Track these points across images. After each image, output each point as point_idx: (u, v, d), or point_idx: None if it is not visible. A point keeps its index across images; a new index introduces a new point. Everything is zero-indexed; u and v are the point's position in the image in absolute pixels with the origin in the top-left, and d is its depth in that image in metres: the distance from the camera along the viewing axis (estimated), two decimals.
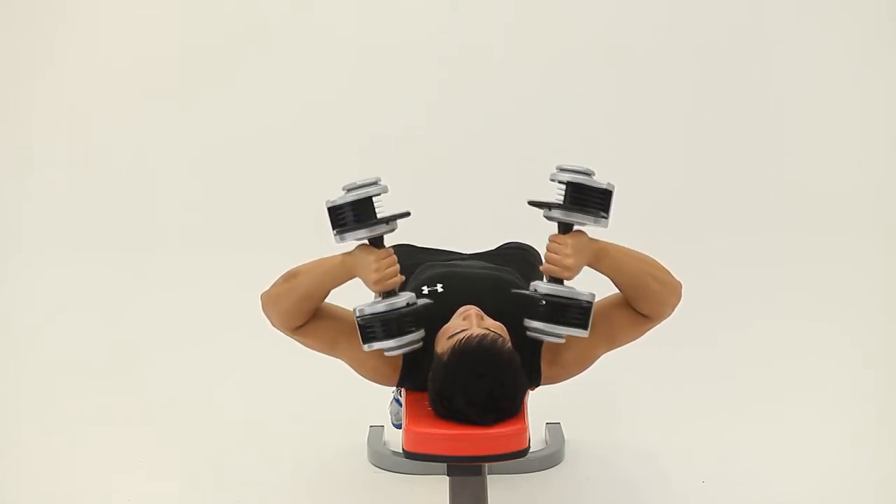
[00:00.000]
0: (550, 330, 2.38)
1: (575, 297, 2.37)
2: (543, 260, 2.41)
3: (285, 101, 4.90)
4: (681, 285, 2.52)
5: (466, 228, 4.40)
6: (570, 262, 2.37)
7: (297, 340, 2.56)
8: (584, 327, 2.37)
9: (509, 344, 2.36)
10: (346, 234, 2.37)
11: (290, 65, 4.91)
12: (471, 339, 2.31)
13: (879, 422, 3.26)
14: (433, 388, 2.33)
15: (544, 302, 2.37)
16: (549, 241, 2.41)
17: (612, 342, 2.54)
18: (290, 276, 2.48)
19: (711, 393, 3.45)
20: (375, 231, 2.37)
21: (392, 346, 2.38)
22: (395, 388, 2.86)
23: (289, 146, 4.89)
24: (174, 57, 4.94)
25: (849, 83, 4.92)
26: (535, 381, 2.52)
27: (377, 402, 3.10)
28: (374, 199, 2.36)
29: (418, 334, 2.40)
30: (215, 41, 4.93)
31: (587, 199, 2.36)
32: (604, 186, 2.37)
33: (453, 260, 2.82)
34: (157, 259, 4.61)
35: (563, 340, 2.40)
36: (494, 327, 2.39)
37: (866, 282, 4.32)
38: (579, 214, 2.38)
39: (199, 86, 4.94)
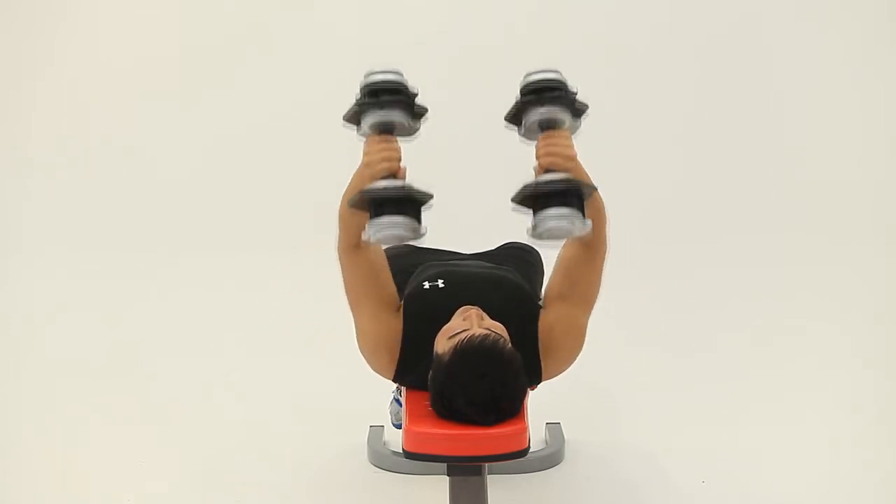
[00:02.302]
0: (561, 213, 2.28)
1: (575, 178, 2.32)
2: (538, 163, 2.36)
3: (284, 100, 4.90)
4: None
5: (466, 228, 4.40)
6: (573, 151, 2.36)
7: (346, 268, 2.53)
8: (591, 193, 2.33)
9: (510, 344, 2.36)
10: (364, 116, 2.38)
11: (290, 64, 4.91)
12: (472, 340, 2.31)
13: (879, 422, 3.26)
14: (434, 389, 2.33)
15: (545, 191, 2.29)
16: (542, 140, 2.37)
17: (585, 300, 2.53)
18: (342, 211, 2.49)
19: (711, 393, 3.45)
20: (382, 116, 2.36)
21: (379, 226, 2.28)
22: (395, 388, 2.87)
23: (288, 146, 4.89)
24: (174, 57, 4.94)
25: (849, 83, 4.92)
26: (536, 380, 2.52)
27: (377, 402, 3.10)
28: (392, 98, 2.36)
29: (405, 219, 2.29)
30: (215, 42, 4.94)
31: (563, 94, 2.37)
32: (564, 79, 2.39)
33: (453, 260, 2.83)
34: (157, 259, 4.61)
35: (573, 228, 2.28)
36: (495, 327, 2.39)
37: (866, 282, 4.32)
38: (564, 109, 2.37)
39: (199, 87, 4.95)
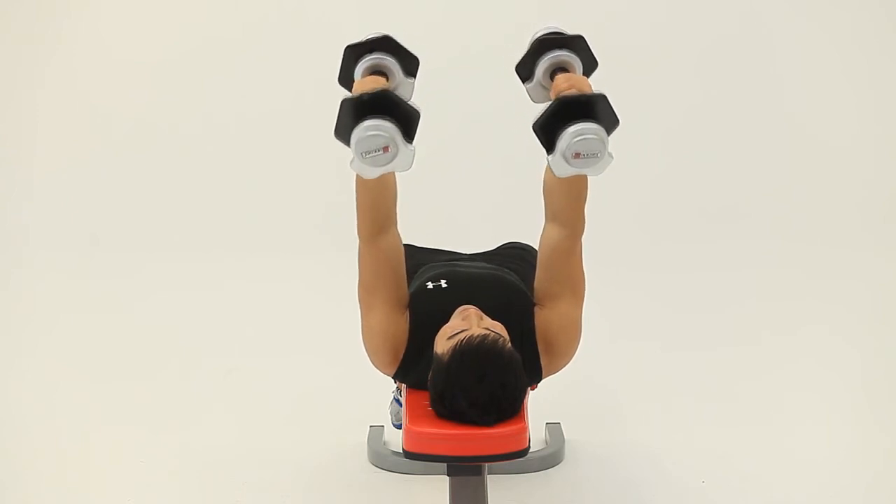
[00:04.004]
0: (592, 128, 2.19)
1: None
2: (562, 89, 2.32)
3: (284, 100, 4.90)
4: None
5: (466, 228, 4.41)
6: (588, 87, 2.33)
7: (363, 259, 2.52)
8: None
9: (509, 344, 2.36)
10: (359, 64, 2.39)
11: (289, 64, 4.91)
12: (471, 340, 2.31)
13: (878, 423, 3.26)
14: (434, 390, 2.33)
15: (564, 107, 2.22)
16: (561, 78, 2.35)
17: (574, 293, 2.52)
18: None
19: (712, 393, 3.45)
20: (371, 60, 2.37)
21: (359, 131, 2.21)
22: (395, 388, 2.87)
23: (288, 147, 4.89)
24: (177, 59, 4.94)
25: (848, 86, 4.93)
26: (537, 378, 2.52)
27: (377, 402, 3.10)
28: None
29: (389, 123, 2.23)
30: (220, 42, 4.94)
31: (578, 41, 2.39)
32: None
33: (454, 260, 2.83)
34: (157, 260, 4.60)
35: (604, 148, 2.20)
36: (494, 327, 2.39)
37: (868, 286, 4.32)
38: (576, 56, 2.40)
39: (199, 88, 4.95)
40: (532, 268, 2.76)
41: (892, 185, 4.84)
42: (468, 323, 2.39)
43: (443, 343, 2.37)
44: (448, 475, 2.39)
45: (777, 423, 3.25)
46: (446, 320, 2.43)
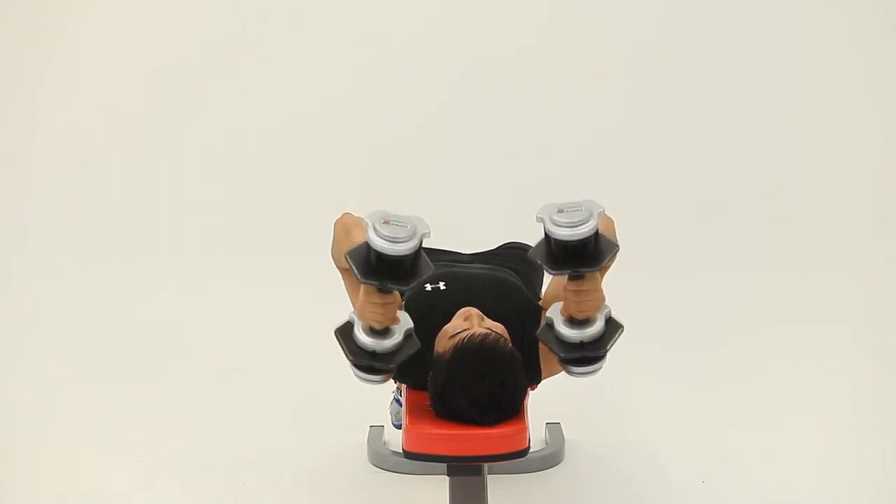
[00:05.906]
0: (600, 366, 2.35)
1: (610, 331, 2.32)
2: (567, 309, 2.30)
3: (288, 103, 4.91)
4: None
5: (466, 228, 4.40)
6: (603, 297, 2.30)
7: (344, 278, 2.59)
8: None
9: (510, 344, 2.36)
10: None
11: (290, 65, 4.91)
12: (472, 339, 2.31)
13: (879, 422, 3.26)
14: (434, 389, 2.34)
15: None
16: (573, 295, 2.27)
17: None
18: (344, 230, 2.48)
19: (712, 393, 3.45)
20: (381, 284, 2.27)
21: (358, 374, 2.38)
22: (395, 388, 2.87)
23: (292, 149, 4.89)
24: (177, 59, 4.94)
25: (848, 86, 4.94)
26: (535, 380, 2.52)
27: (377, 402, 3.10)
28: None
29: (383, 377, 2.37)
30: (221, 42, 4.94)
31: (597, 251, 2.25)
32: (593, 231, 2.21)
33: (454, 260, 2.83)
34: (157, 261, 4.61)
35: (595, 375, 2.36)
36: (495, 327, 2.39)
37: (866, 283, 4.32)
38: (595, 268, 2.26)
39: (201, 87, 4.95)
40: (533, 267, 2.75)
41: (892, 185, 4.84)
42: (470, 323, 2.39)
43: (444, 342, 2.38)
44: (448, 475, 2.40)
45: (777, 422, 3.25)
46: (444, 321, 2.43)
